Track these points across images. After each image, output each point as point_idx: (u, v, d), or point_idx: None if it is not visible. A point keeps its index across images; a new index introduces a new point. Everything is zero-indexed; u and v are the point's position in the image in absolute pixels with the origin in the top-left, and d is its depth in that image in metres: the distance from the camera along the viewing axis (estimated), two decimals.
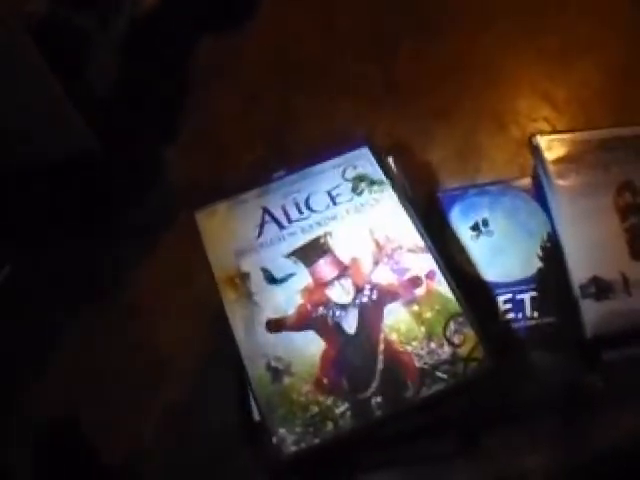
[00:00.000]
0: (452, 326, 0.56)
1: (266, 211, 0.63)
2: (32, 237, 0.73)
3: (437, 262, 0.58)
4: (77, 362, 0.66)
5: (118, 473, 0.60)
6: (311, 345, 0.57)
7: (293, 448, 0.53)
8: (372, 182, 0.63)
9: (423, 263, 0.59)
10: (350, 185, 0.64)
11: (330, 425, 0.53)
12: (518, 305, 0.61)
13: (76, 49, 0.71)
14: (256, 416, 0.56)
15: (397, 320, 0.57)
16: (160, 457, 0.61)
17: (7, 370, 0.66)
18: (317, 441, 0.53)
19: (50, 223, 0.73)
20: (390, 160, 0.66)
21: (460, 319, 0.56)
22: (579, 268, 0.60)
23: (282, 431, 0.54)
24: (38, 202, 0.74)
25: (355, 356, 0.56)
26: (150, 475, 0.60)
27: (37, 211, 0.74)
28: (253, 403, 0.56)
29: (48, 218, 0.74)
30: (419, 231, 0.60)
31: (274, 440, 0.53)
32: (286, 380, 0.55)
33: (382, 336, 0.56)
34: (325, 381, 0.55)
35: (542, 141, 0.65)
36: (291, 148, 0.73)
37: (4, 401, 0.64)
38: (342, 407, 0.54)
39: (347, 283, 0.59)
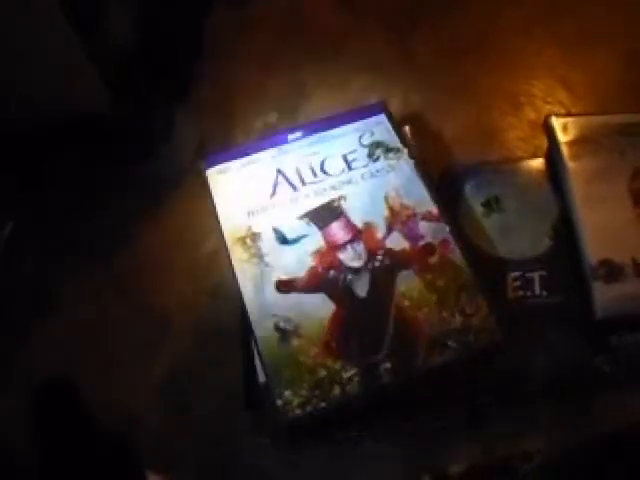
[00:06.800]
0: (464, 296, 0.55)
1: (280, 172, 0.63)
2: (32, 195, 0.72)
3: (451, 231, 0.58)
4: (78, 321, 0.65)
5: (115, 433, 0.59)
6: (321, 308, 0.56)
7: (298, 411, 0.52)
8: (388, 149, 0.63)
9: (437, 231, 0.58)
10: (366, 151, 0.63)
11: (337, 389, 0.52)
12: (527, 283, 0.60)
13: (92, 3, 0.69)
14: (261, 378, 0.55)
15: (409, 287, 0.56)
16: (159, 419, 0.60)
17: (7, 325, 0.65)
18: (323, 405, 0.52)
19: (52, 182, 0.72)
20: (407, 129, 0.65)
21: (472, 290, 0.55)
22: (590, 250, 0.59)
23: (287, 393, 0.53)
24: (39, 160, 0.72)
25: (365, 321, 0.55)
26: (149, 437, 0.59)
27: (38, 170, 0.72)
28: (258, 364, 0.55)
29: (50, 177, 0.72)
30: (434, 199, 0.59)
31: (279, 403, 0.52)
32: (294, 342, 0.54)
33: (393, 302, 0.55)
34: (334, 344, 0.54)
35: (557, 122, 0.65)
36: (304, 118, 0.72)
37: (3, 356, 0.63)
38: (350, 372, 0.53)
39: (360, 247, 0.58)
